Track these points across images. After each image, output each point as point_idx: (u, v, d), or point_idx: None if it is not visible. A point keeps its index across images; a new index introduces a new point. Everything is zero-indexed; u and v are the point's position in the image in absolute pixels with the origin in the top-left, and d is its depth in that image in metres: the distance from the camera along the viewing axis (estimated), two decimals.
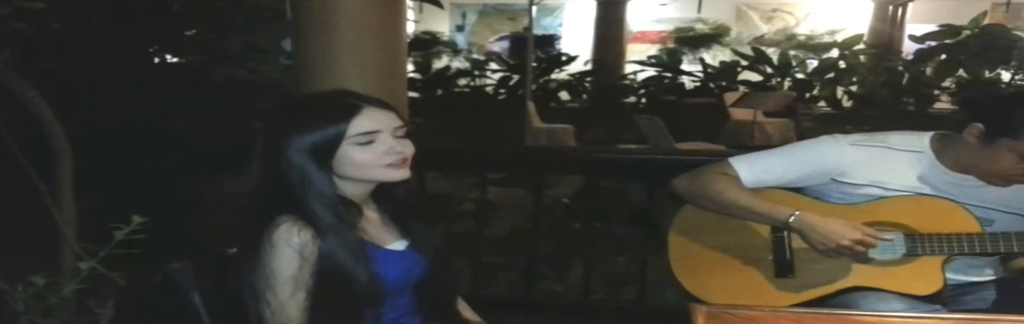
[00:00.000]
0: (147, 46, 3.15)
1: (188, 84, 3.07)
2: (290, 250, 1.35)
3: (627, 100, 10.28)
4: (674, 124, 6.88)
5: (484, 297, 2.66)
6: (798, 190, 1.93)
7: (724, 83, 10.10)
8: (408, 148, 1.46)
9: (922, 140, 1.84)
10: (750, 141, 7.39)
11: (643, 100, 10.23)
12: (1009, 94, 1.80)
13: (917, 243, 1.77)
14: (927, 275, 1.76)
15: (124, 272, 2.07)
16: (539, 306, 2.85)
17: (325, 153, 1.40)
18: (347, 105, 1.43)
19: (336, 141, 1.40)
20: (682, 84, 10.43)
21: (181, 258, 1.44)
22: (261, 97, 2.91)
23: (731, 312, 1.45)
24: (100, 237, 2.01)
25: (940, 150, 1.80)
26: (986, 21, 9.32)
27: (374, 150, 1.43)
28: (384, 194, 1.54)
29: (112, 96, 2.82)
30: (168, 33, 3.14)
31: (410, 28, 11.58)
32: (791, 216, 1.79)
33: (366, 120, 1.42)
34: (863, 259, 1.77)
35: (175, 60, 3.38)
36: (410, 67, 9.63)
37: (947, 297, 1.83)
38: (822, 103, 10.31)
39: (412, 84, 9.04)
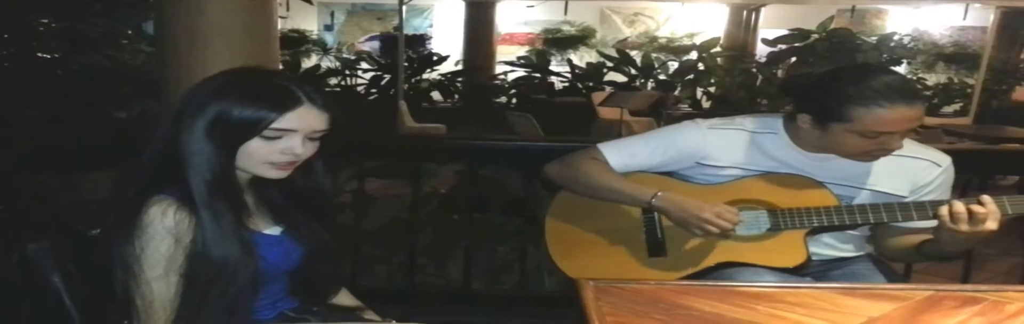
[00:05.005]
0: None
1: (44, 74, 2.88)
2: (163, 230, 1.28)
3: (498, 100, 10.39)
4: (545, 122, 7.01)
5: (364, 288, 2.62)
6: (670, 174, 1.96)
7: (591, 83, 10.37)
8: (309, 151, 1.39)
9: (776, 122, 1.89)
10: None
11: (514, 100, 10.35)
12: (815, 81, 1.82)
13: (779, 218, 1.82)
14: (791, 248, 1.82)
15: None
16: (420, 296, 2.82)
17: (239, 134, 1.33)
18: (291, 96, 1.35)
19: (256, 127, 1.33)
20: (551, 84, 10.62)
21: (39, 238, 1.33)
22: (122, 86, 2.75)
23: (618, 286, 1.47)
24: None
25: (793, 131, 1.86)
26: (832, 26, 9.96)
27: (272, 146, 1.36)
28: (266, 180, 1.45)
29: None
30: (19, 21, 2.93)
31: (278, 25, 11.25)
32: (654, 196, 1.83)
33: (294, 118, 1.34)
34: (728, 235, 1.80)
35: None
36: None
37: (817, 271, 1.91)
38: (682, 104, 10.69)
39: None
